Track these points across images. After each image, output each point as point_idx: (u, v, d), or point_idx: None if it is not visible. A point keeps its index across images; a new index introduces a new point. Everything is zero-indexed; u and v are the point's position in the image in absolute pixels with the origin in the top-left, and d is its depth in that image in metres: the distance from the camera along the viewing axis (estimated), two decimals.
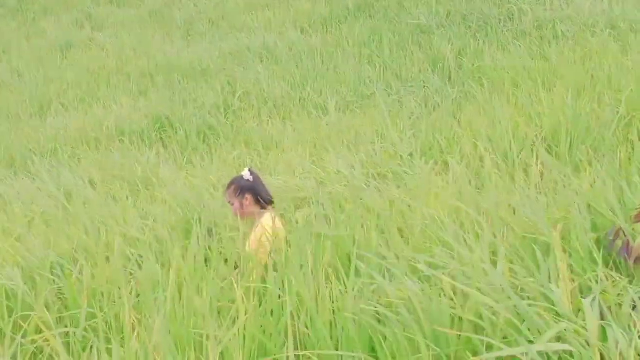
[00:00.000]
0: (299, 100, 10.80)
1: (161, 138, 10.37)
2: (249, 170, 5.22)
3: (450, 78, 10.55)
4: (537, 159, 5.40)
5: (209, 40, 16.58)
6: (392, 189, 5.41)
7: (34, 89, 15.34)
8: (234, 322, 3.37)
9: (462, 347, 2.93)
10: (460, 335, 2.94)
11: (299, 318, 3.37)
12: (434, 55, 11.64)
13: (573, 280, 3.04)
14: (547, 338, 2.60)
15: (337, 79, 11.59)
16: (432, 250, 3.67)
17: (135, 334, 3.51)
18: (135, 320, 3.64)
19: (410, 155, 6.68)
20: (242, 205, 5.12)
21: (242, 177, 5.19)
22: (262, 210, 5.09)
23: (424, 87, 10.28)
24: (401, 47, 12.68)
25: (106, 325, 3.84)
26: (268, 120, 10.11)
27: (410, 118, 8.55)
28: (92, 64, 16.42)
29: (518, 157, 5.87)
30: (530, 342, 2.71)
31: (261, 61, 13.67)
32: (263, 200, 5.11)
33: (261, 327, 3.35)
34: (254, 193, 5.10)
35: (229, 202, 5.23)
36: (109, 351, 3.47)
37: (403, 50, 12.48)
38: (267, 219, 4.88)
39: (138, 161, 8.55)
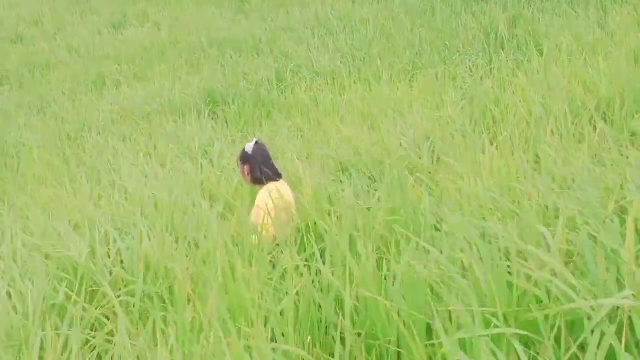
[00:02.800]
0: (351, 72, 10.74)
1: (214, 112, 10.41)
2: (256, 141, 5.25)
3: (503, 47, 10.38)
4: (593, 127, 5.29)
5: (262, 13, 16.58)
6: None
7: (89, 65, 15.55)
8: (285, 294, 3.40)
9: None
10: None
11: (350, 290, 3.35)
12: (488, 23, 11.46)
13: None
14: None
15: (389, 49, 11.50)
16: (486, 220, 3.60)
17: (191, 304, 3.57)
18: (191, 292, 3.69)
19: (463, 124, 6.60)
20: (242, 173, 5.27)
21: (245, 147, 5.27)
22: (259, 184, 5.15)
23: (477, 55, 10.13)
24: (454, 16, 12.53)
25: (162, 295, 3.91)
26: (321, 92, 10.07)
27: (462, 87, 8.45)
28: (146, 39, 16.56)
29: (573, 125, 5.75)
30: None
31: (313, 33, 13.63)
32: (254, 176, 5.15)
33: (313, 301, 3.35)
34: (249, 165, 5.16)
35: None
36: (164, 320, 3.55)
37: (456, 19, 12.32)
38: (262, 193, 4.93)
39: (194, 134, 8.60)
